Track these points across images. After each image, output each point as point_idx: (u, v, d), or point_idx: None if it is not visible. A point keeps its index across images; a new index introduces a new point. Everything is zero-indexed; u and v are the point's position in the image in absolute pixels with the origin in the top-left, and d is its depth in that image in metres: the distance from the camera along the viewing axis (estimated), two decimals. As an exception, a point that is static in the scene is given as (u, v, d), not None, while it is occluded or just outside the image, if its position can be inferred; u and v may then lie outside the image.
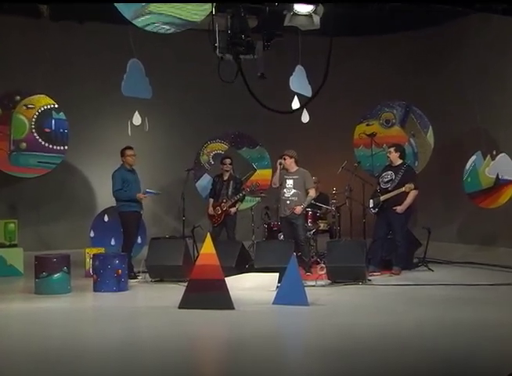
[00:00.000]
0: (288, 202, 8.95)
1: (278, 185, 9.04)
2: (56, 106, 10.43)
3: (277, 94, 11.11)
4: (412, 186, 8.64)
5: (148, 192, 9.09)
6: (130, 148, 8.99)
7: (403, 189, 8.69)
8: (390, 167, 9.14)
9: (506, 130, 10.28)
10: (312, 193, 9.04)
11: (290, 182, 9.00)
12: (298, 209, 8.85)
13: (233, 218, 9.85)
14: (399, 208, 8.78)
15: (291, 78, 9.48)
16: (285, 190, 9.00)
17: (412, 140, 10.84)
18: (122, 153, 8.95)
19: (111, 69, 10.31)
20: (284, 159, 9.05)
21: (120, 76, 8.86)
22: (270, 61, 11.16)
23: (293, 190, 8.95)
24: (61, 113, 10.45)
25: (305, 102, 8.30)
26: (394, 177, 8.93)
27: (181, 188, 10.09)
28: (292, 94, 9.61)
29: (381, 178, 9.10)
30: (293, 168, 9.08)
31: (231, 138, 11.50)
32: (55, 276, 7.65)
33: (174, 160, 11.76)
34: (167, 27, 7.61)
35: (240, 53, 6.76)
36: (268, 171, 11.27)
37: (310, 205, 9.79)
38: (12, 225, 9.71)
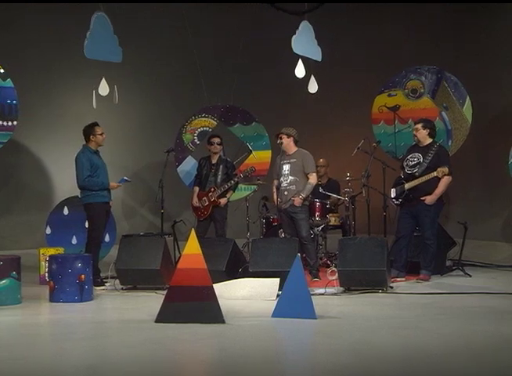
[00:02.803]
0: (286, 193, 8.96)
1: (277, 202, 9.02)
2: (2, 71, 10.34)
3: (278, 59, 11.11)
4: (445, 169, 8.60)
5: (123, 180, 9.15)
6: (98, 125, 8.92)
7: (434, 174, 8.65)
8: (417, 147, 9.10)
9: None
10: (313, 179, 8.99)
11: (286, 168, 8.99)
12: (297, 201, 8.83)
13: (223, 211, 9.85)
14: (429, 198, 8.75)
15: (294, 38, 9.41)
16: (282, 179, 8.98)
17: (444, 114, 10.81)
18: (89, 131, 8.89)
19: (71, 26, 10.24)
20: (280, 138, 9.01)
21: (83, 34, 8.78)
22: (267, 18, 11.21)
23: (290, 177, 8.94)
24: (8, 81, 10.37)
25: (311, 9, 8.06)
26: (422, 160, 8.89)
27: (159, 174, 10.05)
28: (295, 58, 9.54)
29: (406, 162, 9.07)
30: (292, 149, 9.05)
31: (221, 112, 11.46)
32: (2, 283, 7.60)
33: (150, 139, 11.76)
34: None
35: None
36: (267, 153, 11.26)
37: (318, 195, 9.77)
38: None
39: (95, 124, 8.92)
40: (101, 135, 8.89)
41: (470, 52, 11.43)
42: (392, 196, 9.11)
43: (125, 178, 9.27)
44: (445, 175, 8.64)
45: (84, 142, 8.89)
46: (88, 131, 8.89)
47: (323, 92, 10.46)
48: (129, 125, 11.74)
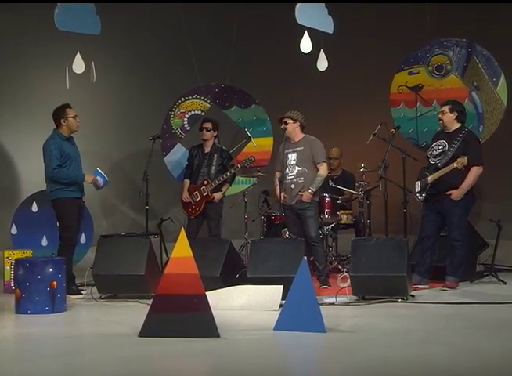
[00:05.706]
0: (293, 186, 8.96)
1: (281, 198, 8.99)
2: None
3: (280, 31, 11.08)
4: (465, 160, 8.55)
5: (99, 173, 8.98)
6: (70, 106, 8.89)
7: (454, 165, 8.61)
8: (443, 134, 9.11)
9: None
10: (323, 170, 9.01)
11: (292, 157, 9.01)
12: (306, 196, 8.84)
13: (218, 208, 9.88)
14: (455, 193, 8.75)
15: (299, 6, 9.40)
16: (287, 170, 8.98)
17: (475, 95, 10.80)
18: (59, 114, 8.87)
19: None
20: (285, 123, 9.03)
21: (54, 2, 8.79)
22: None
23: (298, 168, 8.95)
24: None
25: None
26: (447, 148, 8.88)
27: (143, 164, 10.05)
28: (301, 30, 9.54)
29: (431, 151, 9.07)
30: (298, 135, 9.07)
31: (215, 93, 11.47)
32: (-40, 290, 7.65)
33: (133, 124, 11.76)
34: None
35: None
36: (269, 140, 11.27)
37: (327, 188, 9.76)
38: None
39: (67, 106, 8.89)
40: (73, 118, 8.85)
41: (506, 21, 11.40)
42: (416, 190, 9.10)
43: (98, 170, 8.96)
44: (464, 165, 8.58)
45: (55, 127, 8.88)
46: (59, 114, 8.86)
47: (334, 70, 10.44)
48: (108, 108, 11.74)
